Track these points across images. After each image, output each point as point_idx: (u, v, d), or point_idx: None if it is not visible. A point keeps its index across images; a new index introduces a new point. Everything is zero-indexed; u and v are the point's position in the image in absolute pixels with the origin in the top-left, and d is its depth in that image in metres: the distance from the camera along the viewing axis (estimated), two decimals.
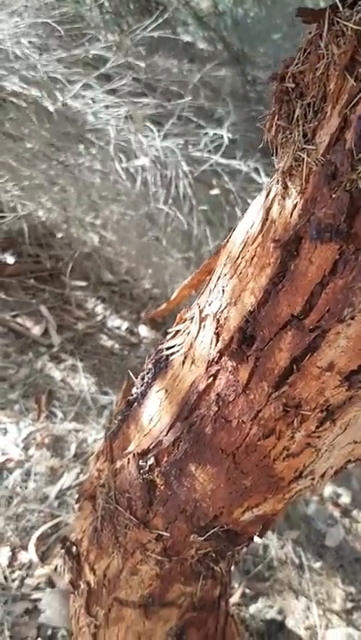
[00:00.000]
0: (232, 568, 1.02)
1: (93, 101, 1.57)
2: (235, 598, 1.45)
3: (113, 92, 1.62)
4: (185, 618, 0.85)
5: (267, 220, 0.49)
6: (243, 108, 3.51)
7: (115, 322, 2.29)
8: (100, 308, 2.33)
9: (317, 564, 1.62)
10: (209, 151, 1.96)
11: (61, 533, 1.51)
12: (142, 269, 2.41)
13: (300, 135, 0.44)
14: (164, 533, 0.70)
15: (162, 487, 0.68)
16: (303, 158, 0.44)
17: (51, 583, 1.41)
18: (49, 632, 1.34)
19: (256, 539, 1.53)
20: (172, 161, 1.95)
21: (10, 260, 2.23)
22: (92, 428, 1.82)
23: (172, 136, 1.92)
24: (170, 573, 0.76)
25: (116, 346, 2.20)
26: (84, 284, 2.38)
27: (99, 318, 2.29)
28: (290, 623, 1.47)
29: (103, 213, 2.20)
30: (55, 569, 1.45)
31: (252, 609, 1.45)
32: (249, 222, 0.53)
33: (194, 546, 0.69)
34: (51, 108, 1.81)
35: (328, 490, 1.87)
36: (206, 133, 1.95)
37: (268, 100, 0.51)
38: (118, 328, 2.27)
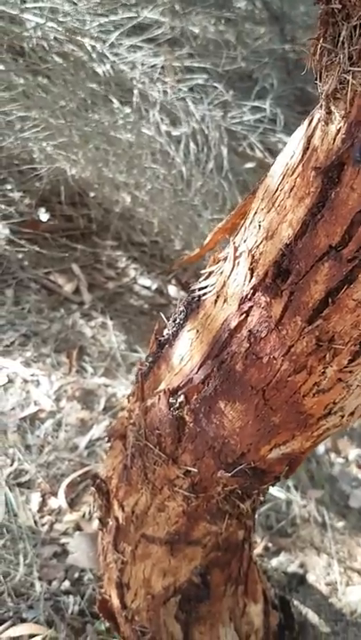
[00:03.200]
0: (256, 516, 1.04)
1: (126, 52, 1.55)
2: (257, 551, 1.49)
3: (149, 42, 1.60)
4: (209, 557, 0.88)
5: (308, 148, 0.49)
6: (281, 67, 3.40)
7: (145, 282, 2.30)
8: (130, 268, 2.34)
9: (340, 524, 1.64)
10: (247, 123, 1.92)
11: (90, 482, 1.56)
12: (173, 230, 2.41)
13: (345, 57, 0.43)
14: (192, 469, 0.71)
15: (191, 424, 0.70)
16: (348, 80, 0.43)
17: (79, 529, 1.46)
18: (76, 575, 1.40)
19: (280, 495, 1.55)
20: (208, 123, 1.92)
21: (43, 217, 2.25)
22: (121, 383, 1.85)
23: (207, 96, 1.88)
24: (196, 511, 0.78)
25: (146, 305, 2.22)
26: (115, 243, 2.39)
27: (129, 278, 2.30)
28: (311, 578, 1.50)
29: (137, 173, 2.19)
30: (83, 515, 1.50)
31: (275, 562, 1.48)
32: (289, 153, 0.52)
33: (221, 482, 0.71)
34: (88, 62, 1.79)
35: (353, 452, 1.87)
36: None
37: (306, 60, 0.50)
38: (148, 288, 2.29)
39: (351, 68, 0.43)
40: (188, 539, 0.83)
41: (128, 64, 1.80)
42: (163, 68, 1.51)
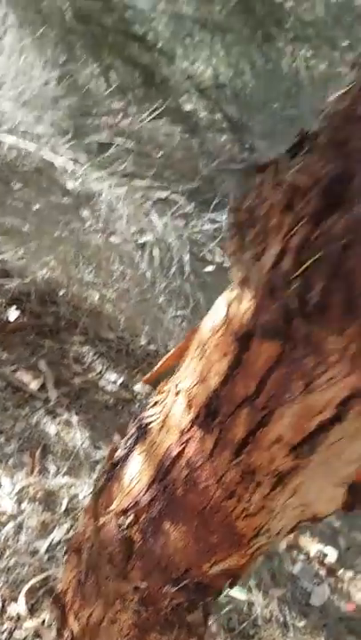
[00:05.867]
0: (209, 621, 1.07)
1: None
2: None
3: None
4: None
5: (227, 315, 0.60)
6: (238, 176, 3.69)
7: (110, 376, 2.37)
8: (97, 363, 2.42)
9: (302, 623, 1.65)
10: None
11: (50, 587, 1.55)
12: (139, 326, 2.52)
13: (250, 255, 0.55)
14: (141, 585, 0.77)
15: (139, 543, 0.76)
16: (253, 274, 0.55)
17: (38, 636, 1.44)
18: None
19: (242, 596, 1.57)
20: (169, 231, 2.10)
21: (12, 316, 2.34)
22: (84, 482, 1.88)
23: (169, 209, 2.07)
24: (147, 622, 0.82)
25: (111, 401, 2.28)
26: (82, 339, 2.48)
27: (95, 372, 2.38)
28: None
29: (105, 274, 2.32)
30: (43, 622, 1.48)
31: None
32: (215, 314, 0.63)
33: (168, 596, 0.76)
34: (59, 182, 1.97)
35: (314, 548, 1.90)
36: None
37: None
38: (114, 383, 2.36)
39: (255, 264, 0.55)
40: None
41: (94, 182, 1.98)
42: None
